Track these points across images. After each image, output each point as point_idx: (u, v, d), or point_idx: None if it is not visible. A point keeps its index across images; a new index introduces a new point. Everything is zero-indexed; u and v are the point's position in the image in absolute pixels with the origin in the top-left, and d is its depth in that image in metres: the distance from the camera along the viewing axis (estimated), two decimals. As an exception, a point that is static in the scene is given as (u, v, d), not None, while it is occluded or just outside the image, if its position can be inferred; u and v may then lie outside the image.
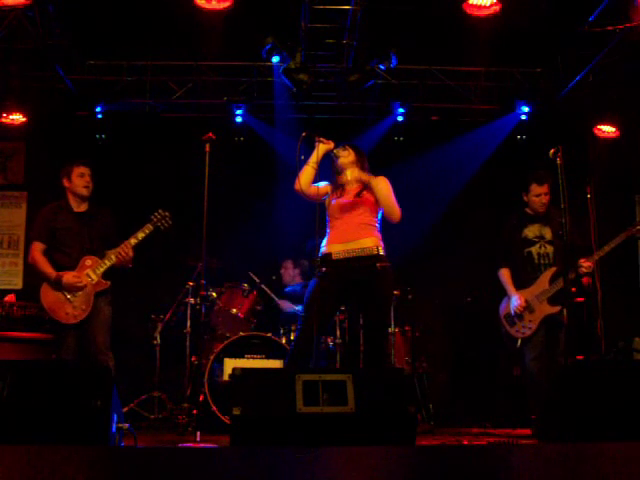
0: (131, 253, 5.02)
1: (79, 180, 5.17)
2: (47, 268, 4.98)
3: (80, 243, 5.06)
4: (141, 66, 7.39)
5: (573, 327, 4.71)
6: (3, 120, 7.37)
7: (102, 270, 4.99)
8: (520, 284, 5.37)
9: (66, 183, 5.22)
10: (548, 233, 5.39)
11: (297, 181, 4.48)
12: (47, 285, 4.98)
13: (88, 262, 5.00)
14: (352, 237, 4.39)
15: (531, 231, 5.43)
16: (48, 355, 6.19)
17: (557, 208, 5.07)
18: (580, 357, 5.91)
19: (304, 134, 4.42)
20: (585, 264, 5.16)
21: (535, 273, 5.34)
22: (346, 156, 4.54)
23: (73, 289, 4.92)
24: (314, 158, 4.49)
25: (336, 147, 4.58)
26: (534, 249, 5.39)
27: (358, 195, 4.48)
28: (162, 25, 6.49)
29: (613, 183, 7.49)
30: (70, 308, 4.92)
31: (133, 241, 5.02)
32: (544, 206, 5.40)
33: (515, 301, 5.28)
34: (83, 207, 5.22)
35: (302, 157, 4.46)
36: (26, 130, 7.58)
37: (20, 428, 3.00)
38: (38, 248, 5.07)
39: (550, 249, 5.35)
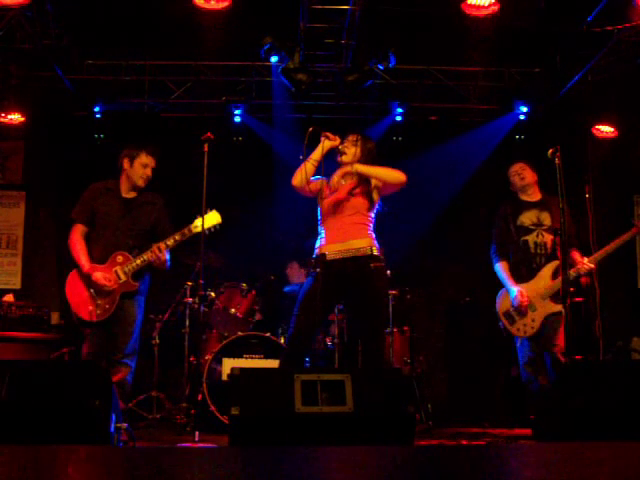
0: (163, 257, 4.69)
1: (140, 169, 4.87)
2: (81, 257, 4.72)
3: (118, 233, 4.78)
4: (140, 66, 7.39)
5: (572, 327, 4.65)
6: (2, 120, 7.37)
7: (132, 270, 4.70)
8: (518, 277, 5.09)
9: (126, 165, 4.88)
10: (547, 219, 5.12)
11: (295, 176, 4.42)
12: (76, 274, 4.74)
13: (119, 258, 4.71)
14: (346, 237, 4.36)
15: (528, 217, 5.16)
16: (47, 355, 6.20)
17: (552, 195, 4.94)
18: (578, 357, 5.91)
19: (311, 129, 4.37)
20: (586, 266, 4.95)
21: (531, 264, 5.07)
22: (351, 154, 4.50)
23: (100, 289, 4.69)
24: (317, 155, 4.42)
25: (343, 141, 4.53)
26: (530, 238, 5.10)
27: (351, 193, 4.45)
28: (161, 25, 6.50)
29: (611, 183, 7.50)
30: (93, 305, 4.67)
31: (170, 242, 4.71)
32: (524, 180, 5.20)
33: (516, 295, 4.98)
34: (133, 193, 4.93)
35: (301, 157, 4.42)
36: (25, 130, 7.59)
37: (19, 428, 3.00)
38: (79, 230, 4.81)
39: (548, 238, 5.05)
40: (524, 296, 4.99)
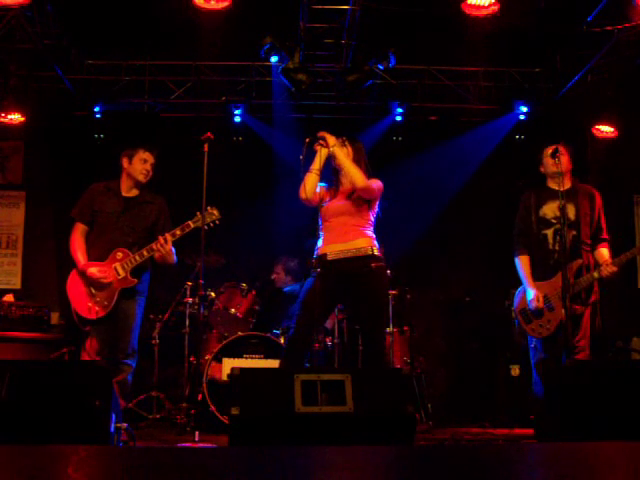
0: (168, 247, 4.69)
1: (140, 165, 4.89)
2: (78, 255, 4.76)
3: (118, 231, 4.80)
4: (140, 66, 7.39)
5: (571, 327, 4.61)
6: (2, 120, 7.37)
7: (131, 266, 4.70)
8: (538, 274, 4.81)
9: (125, 164, 4.92)
10: (571, 211, 4.73)
11: (302, 190, 4.42)
12: (76, 273, 4.78)
13: (119, 255, 4.73)
14: (346, 238, 4.37)
15: (551, 209, 4.79)
16: (47, 355, 6.20)
17: (583, 182, 4.76)
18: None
19: (308, 140, 4.41)
20: (609, 268, 4.65)
21: (548, 260, 4.75)
22: (343, 154, 4.50)
23: (97, 284, 4.71)
24: (317, 164, 4.45)
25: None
26: (550, 232, 4.77)
27: (349, 197, 4.47)
28: (161, 25, 6.50)
29: (611, 183, 7.48)
30: (92, 302, 4.69)
31: (178, 232, 4.73)
32: (562, 167, 4.66)
33: (533, 299, 4.73)
34: (134, 192, 4.95)
35: (301, 157, 4.42)
36: (25, 130, 7.59)
37: (19, 428, 3.00)
38: (78, 230, 4.85)
39: (570, 234, 4.65)
40: (540, 301, 4.73)
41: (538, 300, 4.74)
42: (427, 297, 7.44)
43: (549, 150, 4.77)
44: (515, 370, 6.73)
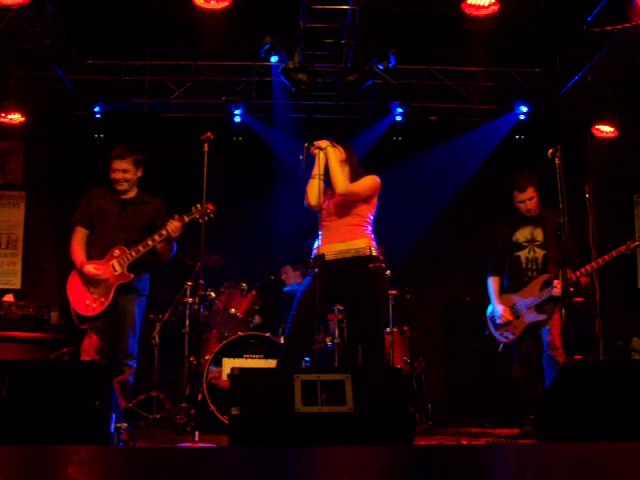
0: (178, 223, 4.75)
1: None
2: (76, 255, 4.87)
3: (116, 231, 4.89)
4: (140, 66, 7.39)
5: (571, 327, 4.68)
6: (2, 120, 7.36)
7: (128, 262, 4.79)
8: (509, 288, 5.38)
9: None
10: (540, 235, 5.32)
11: (309, 197, 4.41)
12: (75, 274, 4.88)
13: (116, 252, 4.82)
14: (344, 238, 4.37)
15: (522, 234, 5.38)
16: (47, 355, 6.19)
17: (551, 208, 5.06)
18: (578, 357, 5.90)
19: (306, 144, 4.40)
20: (557, 289, 5.05)
21: (522, 278, 5.32)
22: (337, 155, 4.50)
23: (94, 281, 4.80)
24: (317, 170, 4.43)
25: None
26: (522, 253, 5.34)
27: None
28: (161, 25, 6.50)
29: (611, 183, 7.49)
30: (90, 299, 4.78)
31: (187, 218, 4.79)
32: (530, 211, 5.34)
33: (502, 314, 5.31)
34: (131, 193, 5.03)
35: (301, 157, 4.42)
36: (24, 130, 7.58)
37: (19, 428, 3.00)
38: (78, 233, 4.97)
39: (540, 253, 5.28)
40: (506, 312, 5.32)
41: (506, 314, 5.31)
42: (427, 297, 7.43)
43: (524, 195, 5.31)
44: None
